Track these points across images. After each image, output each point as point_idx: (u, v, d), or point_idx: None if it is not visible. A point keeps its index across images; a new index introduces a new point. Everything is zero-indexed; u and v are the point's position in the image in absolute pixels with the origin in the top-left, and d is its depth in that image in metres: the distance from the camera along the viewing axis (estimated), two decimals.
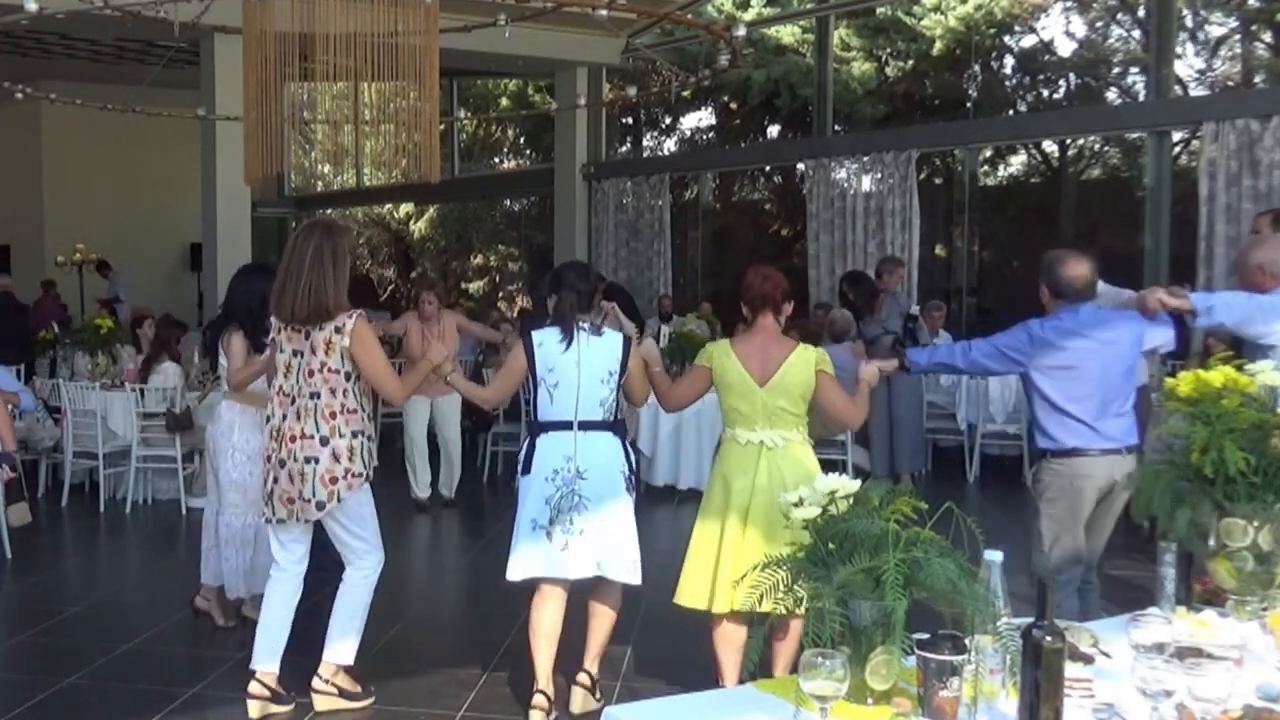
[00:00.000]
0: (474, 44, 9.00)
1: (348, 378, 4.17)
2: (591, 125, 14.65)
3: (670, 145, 20.27)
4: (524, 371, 4.29)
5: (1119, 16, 16.82)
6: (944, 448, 9.78)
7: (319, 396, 4.16)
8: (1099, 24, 17.18)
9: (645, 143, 20.03)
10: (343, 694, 4.38)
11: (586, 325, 4.24)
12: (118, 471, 8.22)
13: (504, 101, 20.85)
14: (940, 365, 4.80)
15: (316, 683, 4.36)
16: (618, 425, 4.28)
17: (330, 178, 22.06)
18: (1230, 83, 15.68)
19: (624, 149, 18.96)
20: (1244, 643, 2.43)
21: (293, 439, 4.17)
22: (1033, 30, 17.13)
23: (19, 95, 10.47)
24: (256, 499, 5.16)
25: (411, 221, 23.61)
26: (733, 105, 18.53)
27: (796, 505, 2.44)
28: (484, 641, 5.19)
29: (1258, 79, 15.69)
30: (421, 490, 8.19)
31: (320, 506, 4.17)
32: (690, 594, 4.17)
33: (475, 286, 22.17)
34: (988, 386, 9.17)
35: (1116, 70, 16.85)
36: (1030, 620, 2.12)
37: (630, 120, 19.46)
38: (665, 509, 8.15)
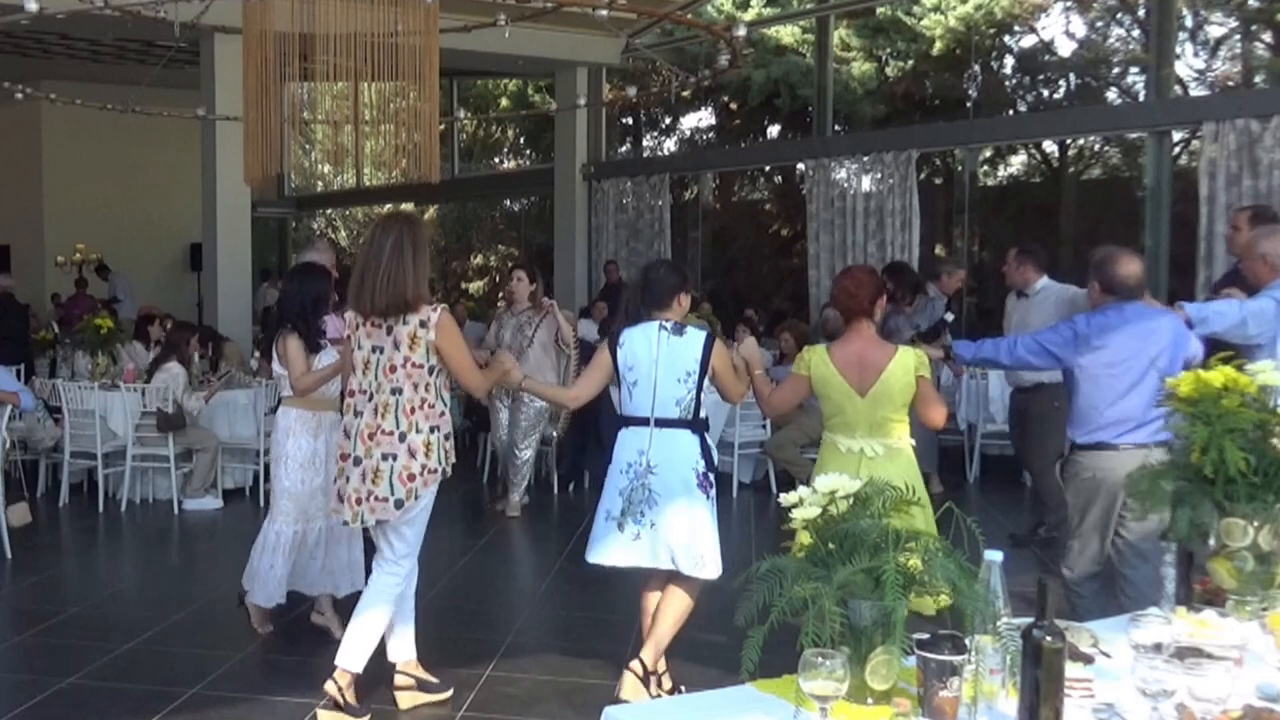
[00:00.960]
0: (474, 44, 9.00)
1: (430, 371, 4.12)
2: (591, 125, 14.66)
3: (670, 145, 20.27)
4: (609, 369, 4.33)
5: (1119, 16, 16.83)
6: (944, 448, 9.78)
7: (401, 392, 4.09)
8: (1099, 24, 17.19)
9: (645, 143, 20.03)
10: (346, 708, 4.25)
11: (669, 325, 4.27)
12: (117, 471, 8.22)
13: (504, 101, 20.86)
14: (985, 360, 4.82)
15: (330, 686, 4.26)
16: (697, 423, 4.27)
17: (330, 178, 22.05)
18: (1230, 83, 15.68)
19: (624, 149, 18.96)
20: (1244, 643, 2.43)
21: (370, 436, 4.10)
22: (1033, 30, 17.14)
23: (19, 95, 10.47)
24: (307, 506, 5.13)
25: None
26: (733, 105, 18.54)
27: (796, 505, 2.45)
28: (484, 641, 5.20)
29: (1258, 79, 15.69)
30: None
31: (399, 505, 4.10)
32: None
33: (475, 286, 22.18)
34: (988, 387, 9.17)
35: (1116, 70, 16.86)
36: (1030, 620, 2.12)
37: (630, 120, 19.46)
38: None
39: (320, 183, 22.28)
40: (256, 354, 9.35)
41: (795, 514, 2.43)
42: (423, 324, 4.06)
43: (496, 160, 22.74)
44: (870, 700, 2.21)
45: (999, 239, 15.07)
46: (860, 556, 2.25)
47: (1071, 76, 16.90)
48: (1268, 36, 16.02)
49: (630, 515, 4.19)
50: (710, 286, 14.79)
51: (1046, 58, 17.13)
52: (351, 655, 4.26)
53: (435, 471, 4.13)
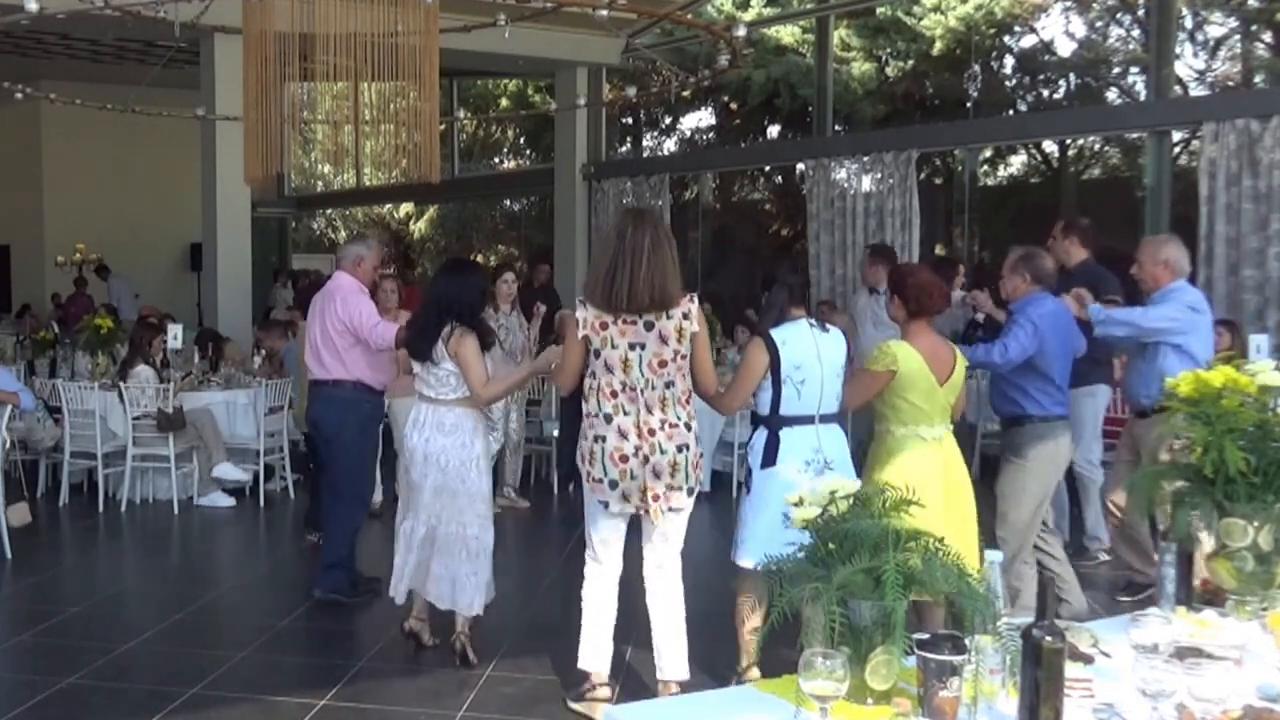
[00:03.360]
0: (474, 44, 8.99)
1: (688, 360, 4.17)
2: (591, 125, 14.65)
3: (670, 145, 20.27)
4: (764, 371, 4.28)
5: (1119, 16, 16.83)
6: None
7: (673, 385, 4.12)
8: (1099, 24, 17.19)
9: (645, 143, 20.03)
10: None
11: (814, 322, 4.36)
12: (117, 471, 8.21)
13: (504, 101, 20.86)
14: (980, 363, 5.16)
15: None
16: (843, 415, 4.47)
17: (330, 178, 22.06)
18: (1230, 83, 15.68)
19: (624, 149, 18.96)
20: (1244, 643, 2.43)
21: (651, 432, 4.09)
22: (1033, 30, 17.14)
23: (19, 95, 10.46)
24: (486, 509, 4.92)
25: (411, 221, 23.62)
26: (733, 105, 18.54)
27: (796, 505, 2.45)
28: (484, 642, 5.18)
29: (1258, 79, 15.69)
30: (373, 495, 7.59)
31: (691, 492, 4.17)
32: None
33: None
34: (987, 386, 9.16)
35: (1116, 70, 16.85)
36: (1030, 620, 2.12)
37: (630, 120, 19.46)
38: None
39: (320, 183, 22.28)
40: (262, 354, 9.33)
41: (795, 514, 2.43)
42: (685, 316, 4.09)
43: (496, 160, 22.74)
44: (870, 700, 2.21)
45: (999, 239, 15.07)
46: (860, 556, 2.25)
47: (1071, 76, 16.90)
48: (1268, 36, 16.01)
49: None
50: (710, 287, 14.78)
51: (1046, 58, 17.13)
52: (684, 662, 4.24)
53: (703, 454, 4.30)
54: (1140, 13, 15.88)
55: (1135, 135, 12.69)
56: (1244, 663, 2.36)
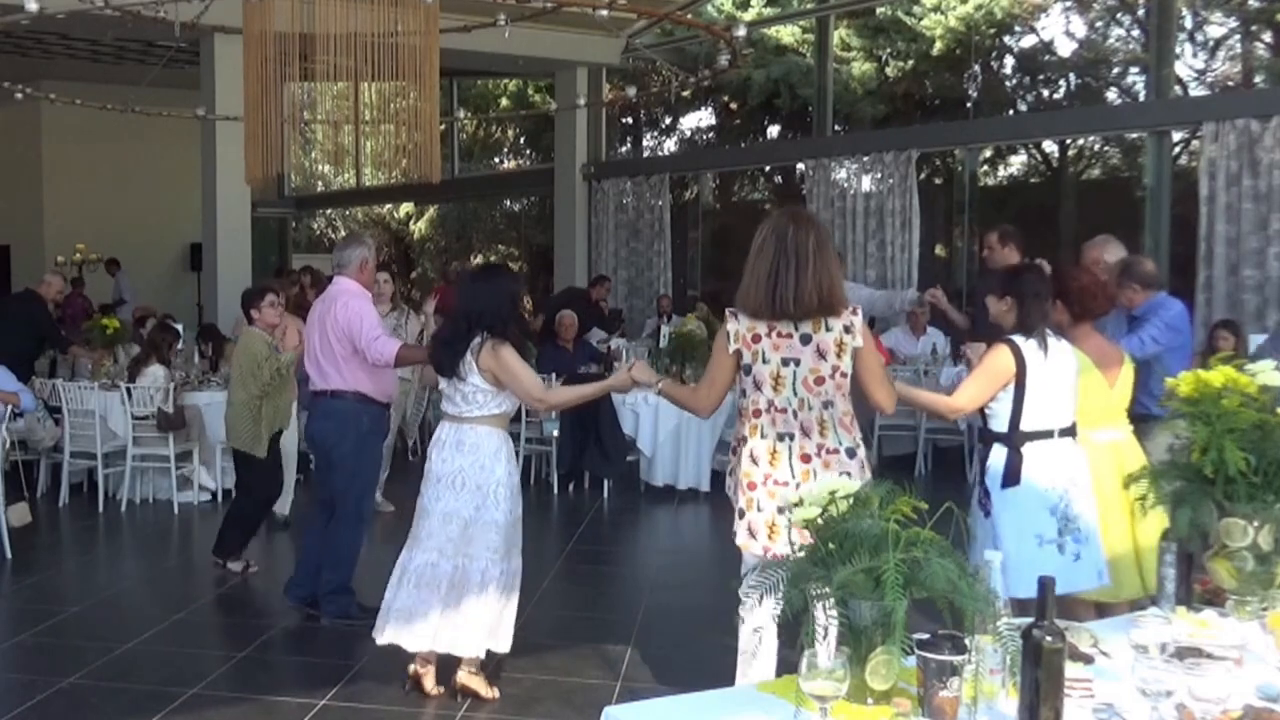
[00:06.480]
0: (474, 44, 9.01)
1: (850, 381, 3.72)
2: (591, 125, 14.66)
3: (670, 145, 20.28)
4: (1010, 377, 4.01)
5: (1119, 16, 16.84)
6: (944, 448, 9.77)
7: (833, 405, 3.69)
8: (1099, 24, 17.20)
9: (645, 143, 20.04)
10: None
11: (1050, 330, 4.11)
12: (117, 471, 8.21)
13: (504, 101, 20.86)
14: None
15: None
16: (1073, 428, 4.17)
17: (330, 178, 22.06)
18: (1230, 83, 15.69)
19: (624, 149, 18.96)
20: (1244, 643, 2.43)
21: (805, 458, 3.67)
22: (1033, 30, 17.15)
23: (19, 95, 10.47)
24: (516, 541, 4.53)
25: (411, 221, 23.62)
26: (733, 105, 18.55)
27: (797, 505, 2.45)
28: None
29: (1258, 79, 15.70)
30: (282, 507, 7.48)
31: None
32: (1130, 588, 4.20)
33: None
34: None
35: (1116, 70, 16.87)
36: (1030, 620, 2.12)
37: (630, 120, 19.47)
38: (665, 509, 8.15)
39: (320, 183, 22.29)
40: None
41: (795, 514, 2.43)
42: (847, 329, 3.67)
43: (496, 160, 22.74)
44: (870, 700, 2.21)
45: None
46: (860, 556, 2.25)
47: (1071, 76, 16.91)
48: (1268, 36, 16.02)
49: (1069, 533, 3.96)
50: (709, 287, 14.77)
51: (1046, 58, 17.14)
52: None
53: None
54: (1140, 13, 15.89)
55: (1135, 135, 12.70)
56: (1244, 663, 2.36)
